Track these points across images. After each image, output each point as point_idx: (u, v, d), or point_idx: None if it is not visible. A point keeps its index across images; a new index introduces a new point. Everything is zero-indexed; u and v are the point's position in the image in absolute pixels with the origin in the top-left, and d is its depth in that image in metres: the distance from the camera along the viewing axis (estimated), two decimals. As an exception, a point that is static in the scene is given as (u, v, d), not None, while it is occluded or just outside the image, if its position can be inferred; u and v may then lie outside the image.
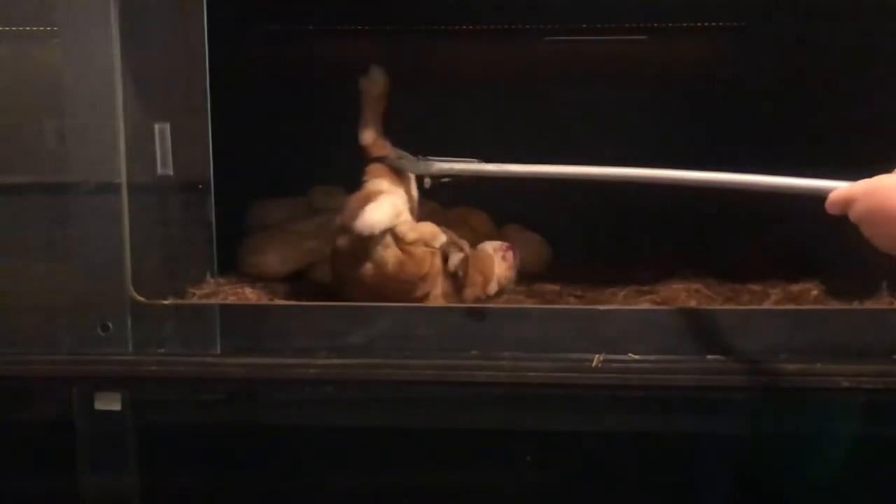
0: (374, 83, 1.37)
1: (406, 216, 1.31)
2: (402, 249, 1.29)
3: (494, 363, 1.21)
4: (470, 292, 1.35)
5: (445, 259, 1.34)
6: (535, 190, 1.51)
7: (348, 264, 1.30)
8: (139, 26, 1.24)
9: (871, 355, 1.19)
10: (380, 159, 1.35)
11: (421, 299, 1.32)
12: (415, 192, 1.37)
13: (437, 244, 1.32)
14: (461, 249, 1.35)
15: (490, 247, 1.39)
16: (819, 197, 1.02)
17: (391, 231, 1.28)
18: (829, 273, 1.44)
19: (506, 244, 1.38)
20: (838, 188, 1.00)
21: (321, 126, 1.77)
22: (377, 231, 1.25)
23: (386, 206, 1.27)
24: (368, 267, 1.29)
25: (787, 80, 1.72)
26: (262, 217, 1.61)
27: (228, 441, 1.34)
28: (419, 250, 1.30)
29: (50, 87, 1.22)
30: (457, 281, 1.34)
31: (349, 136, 1.46)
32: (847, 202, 0.98)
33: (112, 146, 1.21)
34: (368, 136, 1.36)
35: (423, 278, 1.31)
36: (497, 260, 1.36)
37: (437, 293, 1.34)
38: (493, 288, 1.35)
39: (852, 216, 0.99)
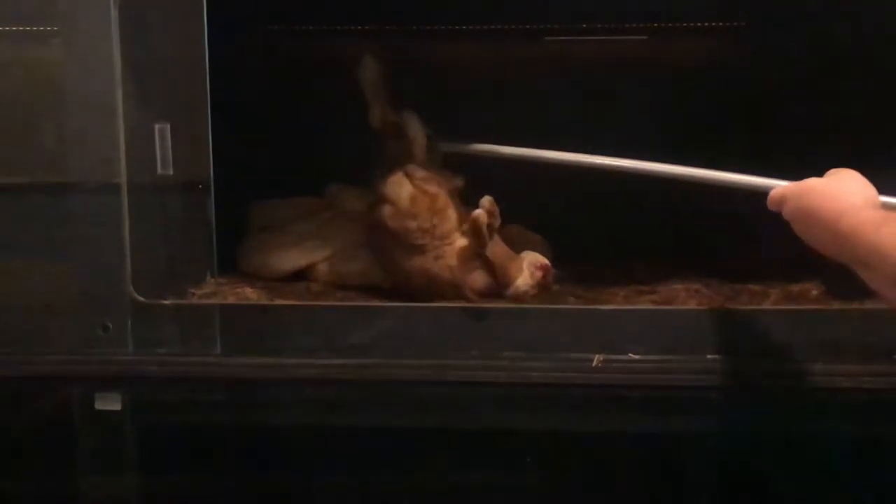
0: (368, 70, 1.41)
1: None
2: (414, 186, 1.35)
3: (494, 363, 1.21)
4: (481, 276, 1.35)
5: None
6: (535, 190, 1.52)
7: (377, 223, 1.38)
8: (139, 26, 1.24)
9: (871, 355, 1.19)
10: (396, 139, 1.40)
11: (439, 249, 1.34)
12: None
13: (454, 186, 1.38)
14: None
15: (530, 255, 1.40)
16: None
17: (403, 170, 1.36)
18: (829, 273, 1.43)
19: (545, 266, 1.39)
20: (776, 187, 1.06)
21: (321, 126, 1.77)
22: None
23: None
24: (387, 208, 1.35)
25: (788, 80, 1.72)
26: (262, 218, 1.60)
27: (228, 441, 1.34)
28: (431, 188, 1.35)
29: (50, 87, 1.22)
30: (478, 239, 1.34)
31: (349, 135, 1.46)
32: (780, 202, 1.05)
33: (112, 146, 1.21)
34: (377, 120, 1.41)
35: (438, 214, 1.34)
36: (526, 271, 1.37)
37: (455, 248, 1.35)
38: (509, 291, 1.36)
39: (785, 215, 1.04)
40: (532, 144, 1.35)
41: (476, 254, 1.34)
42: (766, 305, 1.34)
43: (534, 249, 1.52)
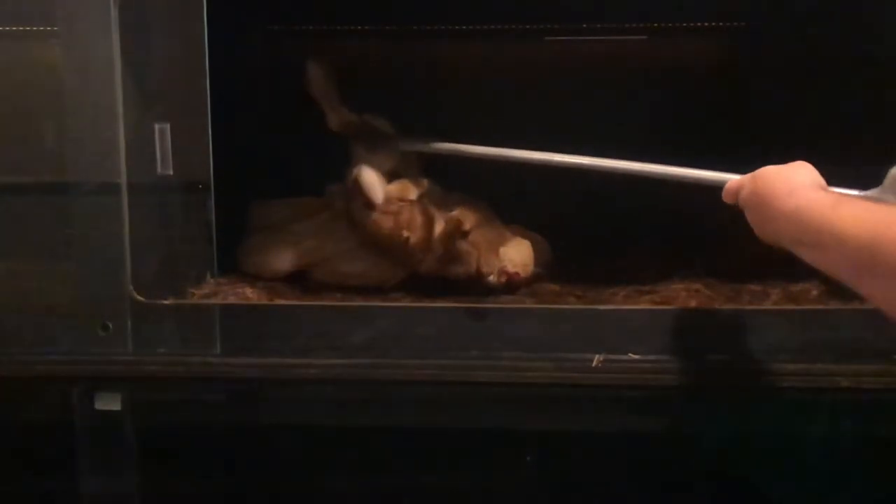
0: (314, 74, 1.44)
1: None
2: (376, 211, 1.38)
3: (494, 363, 1.21)
4: (463, 270, 1.36)
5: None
6: (535, 190, 1.52)
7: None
8: (139, 26, 1.24)
9: (871, 355, 1.19)
10: (357, 138, 1.43)
11: (418, 256, 1.37)
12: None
13: (413, 196, 1.39)
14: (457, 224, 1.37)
15: (509, 254, 1.39)
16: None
17: (362, 196, 1.38)
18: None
19: (510, 273, 1.37)
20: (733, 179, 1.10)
21: (321, 126, 1.77)
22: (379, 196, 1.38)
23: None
24: (359, 230, 1.40)
25: (788, 80, 1.72)
26: (262, 218, 1.60)
27: (228, 441, 1.34)
28: (392, 206, 1.37)
29: (50, 87, 1.22)
30: (447, 247, 1.35)
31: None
32: (736, 191, 1.07)
33: (112, 146, 1.21)
34: (334, 123, 1.44)
35: (408, 228, 1.35)
36: (496, 274, 1.37)
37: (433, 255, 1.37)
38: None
39: (740, 203, 1.06)
40: (532, 143, 1.35)
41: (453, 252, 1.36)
42: (766, 305, 1.34)
43: (533, 249, 1.52)
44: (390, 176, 1.42)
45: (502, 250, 1.38)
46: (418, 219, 1.37)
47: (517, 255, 1.39)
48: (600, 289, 1.42)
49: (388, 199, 1.38)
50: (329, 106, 1.44)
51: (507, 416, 1.28)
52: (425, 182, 1.42)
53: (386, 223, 1.37)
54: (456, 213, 1.38)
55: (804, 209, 0.93)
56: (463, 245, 1.35)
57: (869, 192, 1.03)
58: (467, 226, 1.35)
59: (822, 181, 1.00)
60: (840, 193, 0.96)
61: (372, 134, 1.43)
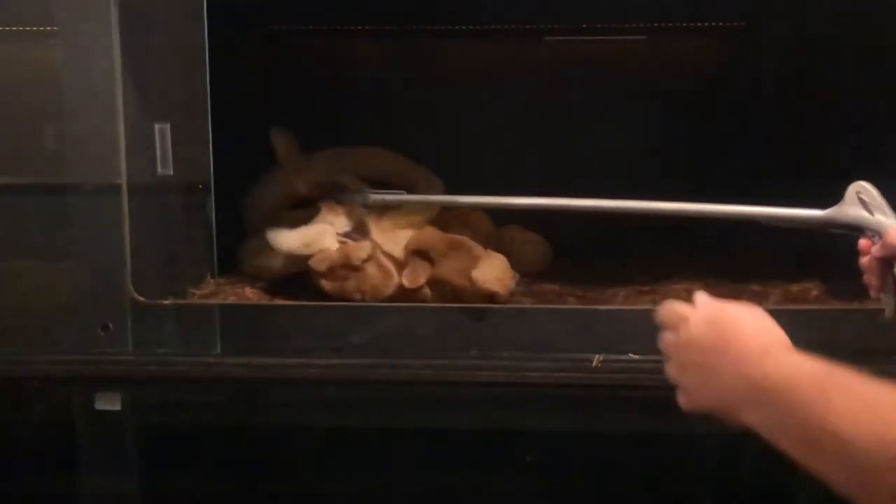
0: (280, 144, 1.46)
1: (326, 245, 1.34)
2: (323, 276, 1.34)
3: (494, 363, 1.21)
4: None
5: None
6: (535, 189, 1.52)
7: None
8: (139, 26, 1.24)
9: (871, 355, 1.18)
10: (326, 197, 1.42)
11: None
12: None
13: (358, 261, 1.33)
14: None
15: (480, 270, 1.32)
16: None
17: (308, 264, 1.33)
18: (829, 273, 1.43)
19: (491, 292, 1.30)
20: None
21: (321, 126, 1.77)
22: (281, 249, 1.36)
23: (294, 236, 1.36)
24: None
25: (787, 81, 1.72)
26: (257, 205, 1.59)
27: (228, 441, 1.34)
28: (339, 273, 1.32)
29: (50, 87, 1.22)
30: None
31: (348, 136, 1.46)
32: (676, 321, 0.93)
33: (112, 146, 1.21)
34: (302, 187, 1.46)
35: (359, 291, 1.32)
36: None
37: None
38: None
39: (675, 340, 0.91)
40: (531, 144, 1.35)
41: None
42: (766, 305, 1.33)
43: (532, 249, 1.52)
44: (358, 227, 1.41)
45: (473, 274, 1.31)
46: (370, 280, 1.33)
47: (490, 270, 1.33)
48: (600, 289, 1.42)
49: (331, 269, 1.33)
50: (294, 170, 1.46)
51: (507, 416, 1.28)
52: (369, 244, 1.36)
53: (333, 290, 1.33)
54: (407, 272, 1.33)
55: (785, 383, 0.76)
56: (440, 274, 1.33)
57: (830, 210, 1.03)
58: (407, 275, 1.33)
59: (785, 337, 0.84)
60: (823, 366, 0.78)
61: (340, 191, 1.42)
